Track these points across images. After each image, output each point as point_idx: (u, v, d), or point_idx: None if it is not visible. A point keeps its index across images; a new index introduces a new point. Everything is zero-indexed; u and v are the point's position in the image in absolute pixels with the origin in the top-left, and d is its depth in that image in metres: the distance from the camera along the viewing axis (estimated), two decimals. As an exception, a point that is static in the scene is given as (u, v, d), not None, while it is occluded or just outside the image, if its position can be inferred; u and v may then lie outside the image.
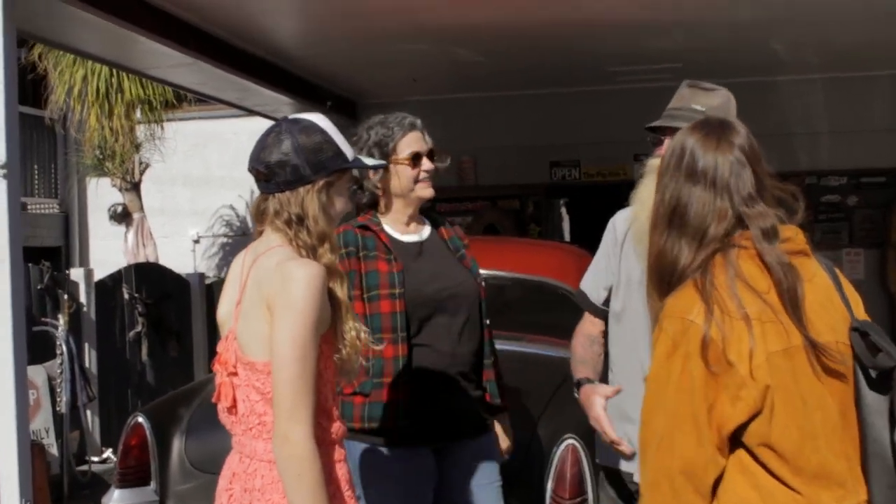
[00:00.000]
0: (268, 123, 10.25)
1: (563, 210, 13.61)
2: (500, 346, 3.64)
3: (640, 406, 2.97)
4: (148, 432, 4.37)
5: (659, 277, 2.19)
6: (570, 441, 3.96)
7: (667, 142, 3.14)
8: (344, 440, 3.11)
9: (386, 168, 3.35)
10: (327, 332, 2.43)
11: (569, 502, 3.78)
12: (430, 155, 3.44)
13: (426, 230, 3.52)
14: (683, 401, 2.00)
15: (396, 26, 7.56)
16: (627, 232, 3.29)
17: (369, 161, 2.88)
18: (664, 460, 2.01)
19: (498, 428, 3.56)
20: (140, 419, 4.41)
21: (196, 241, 11.85)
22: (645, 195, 3.06)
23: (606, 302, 3.36)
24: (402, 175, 3.38)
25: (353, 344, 2.48)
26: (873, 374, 2.08)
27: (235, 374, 2.45)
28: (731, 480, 2.02)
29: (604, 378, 3.34)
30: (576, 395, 3.26)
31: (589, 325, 3.42)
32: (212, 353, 8.24)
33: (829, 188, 9.74)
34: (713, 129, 2.21)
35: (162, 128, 10.36)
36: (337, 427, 2.50)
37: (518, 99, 10.39)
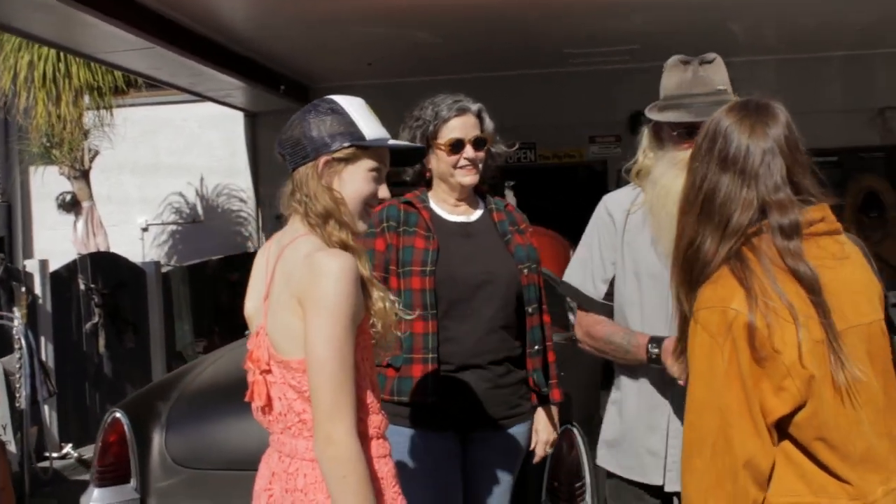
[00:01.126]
0: (219, 109, 10.11)
1: (511, 193, 13.62)
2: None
3: (665, 413, 2.94)
4: (126, 428, 4.24)
5: (688, 267, 2.13)
6: (568, 427, 3.92)
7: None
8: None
9: (429, 147, 3.29)
10: (362, 320, 2.33)
11: (567, 488, 3.75)
12: (478, 142, 3.32)
13: (477, 212, 3.43)
14: (734, 393, 1.95)
15: (354, 9, 7.49)
16: (627, 220, 3.06)
17: (378, 138, 2.45)
18: (724, 458, 1.95)
19: (540, 418, 3.43)
20: (118, 414, 4.28)
21: (145, 230, 11.62)
22: (665, 183, 2.87)
23: (609, 296, 3.10)
24: (441, 159, 3.31)
25: (382, 315, 2.38)
26: None
27: (269, 371, 2.36)
28: (777, 472, 1.99)
29: (608, 378, 3.23)
30: (655, 353, 2.87)
31: (590, 319, 3.14)
32: (168, 343, 8.06)
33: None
34: (749, 114, 2.13)
35: (111, 114, 10.12)
36: (378, 421, 2.39)
37: (474, 82, 10.28)
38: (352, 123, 2.40)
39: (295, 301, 2.26)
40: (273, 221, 11.07)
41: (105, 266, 8.55)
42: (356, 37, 8.45)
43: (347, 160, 2.39)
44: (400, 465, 2.99)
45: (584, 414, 4.11)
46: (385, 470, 2.38)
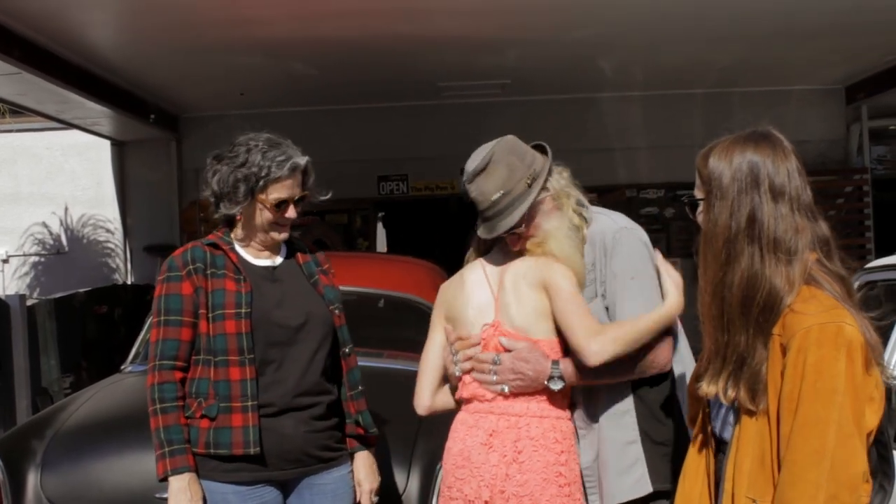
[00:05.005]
0: (83, 137, 9.83)
1: (380, 224, 13.70)
2: (359, 362, 3.47)
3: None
4: (-1, 469, 4.08)
5: (748, 303, 2.18)
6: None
7: (511, 241, 3.09)
8: (199, 479, 3.08)
9: (250, 203, 3.16)
10: None
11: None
12: (299, 201, 3.24)
13: (280, 256, 3.35)
14: (851, 406, 2.06)
15: (226, 39, 7.44)
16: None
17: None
18: (846, 471, 2.05)
19: (361, 466, 3.38)
20: (-11, 455, 4.11)
21: (5, 261, 11.18)
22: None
23: None
24: (262, 215, 3.19)
25: None
26: None
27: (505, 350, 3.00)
28: None
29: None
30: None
31: None
32: (34, 379, 7.71)
33: (647, 200, 10.23)
34: (775, 145, 2.26)
35: (-31, 141, 9.76)
36: None
37: (348, 113, 10.39)
38: None
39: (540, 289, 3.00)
40: (141, 253, 10.82)
41: (-36, 299, 8.19)
42: (228, 66, 8.38)
43: None
44: None
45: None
46: None
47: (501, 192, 3.00)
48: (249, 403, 3.08)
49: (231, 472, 3.10)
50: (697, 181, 2.36)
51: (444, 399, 3.22)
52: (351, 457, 3.37)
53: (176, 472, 3.05)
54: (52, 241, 11.17)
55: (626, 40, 7.95)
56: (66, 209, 11.12)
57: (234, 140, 3.26)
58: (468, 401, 3.09)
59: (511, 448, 2.95)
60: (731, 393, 2.25)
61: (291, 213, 3.22)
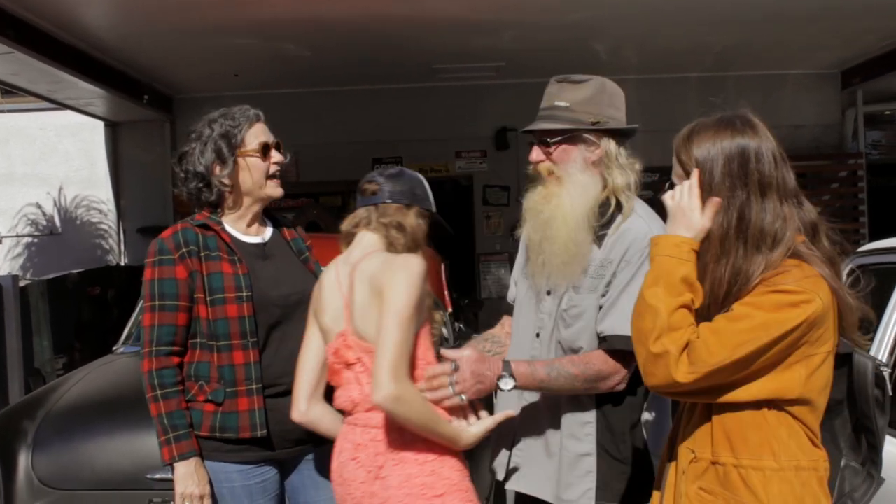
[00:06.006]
0: (77, 117, 9.78)
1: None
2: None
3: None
4: (-11, 449, 4.08)
5: (730, 290, 2.22)
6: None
7: (534, 149, 3.02)
8: (204, 461, 3.10)
9: (235, 162, 3.17)
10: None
11: None
12: (278, 147, 3.25)
13: (268, 231, 3.33)
14: (772, 334, 2.11)
15: (224, 20, 7.41)
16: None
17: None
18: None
19: None
20: (-21, 435, 4.11)
21: (-2, 242, 11.18)
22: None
23: None
24: (253, 168, 3.18)
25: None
26: None
27: (355, 363, 2.83)
28: (785, 440, 2.17)
29: None
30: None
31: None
32: (26, 360, 7.73)
33: (644, 185, 10.19)
34: (756, 128, 2.27)
35: (-38, 122, 9.72)
36: None
37: (342, 95, 10.36)
38: (430, 196, 3.05)
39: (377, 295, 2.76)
40: (135, 234, 10.80)
41: (-43, 280, 8.18)
42: (223, 48, 8.36)
43: (422, 215, 2.99)
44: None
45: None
46: None
47: (568, 104, 2.95)
48: (255, 387, 3.09)
49: (236, 452, 3.11)
50: (677, 167, 2.32)
51: (321, 409, 3.02)
52: None
53: (183, 457, 3.05)
54: (45, 222, 11.14)
55: (621, 23, 7.93)
56: (60, 190, 11.10)
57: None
58: (343, 411, 2.95)
59: (372, 463, 2.79)
60: None
61: (277, 155, 3.23)
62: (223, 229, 3.20)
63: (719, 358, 2.09)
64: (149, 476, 3.77)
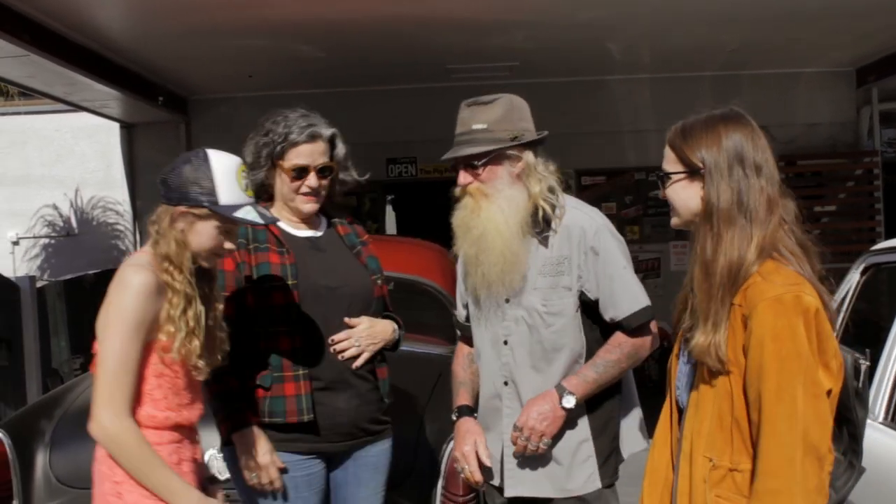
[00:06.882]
0: (93, 119, 9.83)
1: (389, 206, 13.71)
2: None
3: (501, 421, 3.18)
4: (8, 448, 4.07)
5: (724, 270, 2.26)
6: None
7: (461, 173, 3.16)
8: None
9: (273, 167, 3.24)
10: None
11: (461, 499, 3.79)
12: (323, 171, 3.25)
13: (322, 226, 3.39)
14: (814, 368, 2.15)
15: (235, 22, 7.43)
16: None
17: (233, 204, 2.76)
18: (816, 428, 2.14)
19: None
20: (-1, 434, 4.15)
21: (15, 243, 11.21)
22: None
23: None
24: (284, 182, 3.24)
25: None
26: None
27: None
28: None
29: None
30: (453, 417, 3.32)
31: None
32: (44, 360, 7.80)
33: (656, 184, 10.13)
34: (747, 122, 2.34)
35: (-22, 124, 9.78)
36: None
37: (357, 95, 10.37)
38: (213, 187, 2.71)
39: None
40: (151, 235, 10.81)
41: (-25, 281, 8.24)
42: (237, 49, 8.38)
43: (200, 216, 2.74)
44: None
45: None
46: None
47: (485, 126, 3.09)
48: (301, 372, 3.14)
49: (288, 441, 3.16)
50: (672, 157, 2.43)
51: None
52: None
53: (237, 428, 3.10)
54: (61, 224, 11.20)
55: (634, 22, 7.92)
56: (76, 191, 11.16)
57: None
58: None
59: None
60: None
61: (312, 181, 3.23)
62: (272, 222, 3.24)
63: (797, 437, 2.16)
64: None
